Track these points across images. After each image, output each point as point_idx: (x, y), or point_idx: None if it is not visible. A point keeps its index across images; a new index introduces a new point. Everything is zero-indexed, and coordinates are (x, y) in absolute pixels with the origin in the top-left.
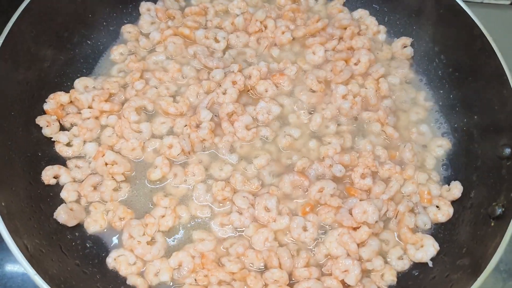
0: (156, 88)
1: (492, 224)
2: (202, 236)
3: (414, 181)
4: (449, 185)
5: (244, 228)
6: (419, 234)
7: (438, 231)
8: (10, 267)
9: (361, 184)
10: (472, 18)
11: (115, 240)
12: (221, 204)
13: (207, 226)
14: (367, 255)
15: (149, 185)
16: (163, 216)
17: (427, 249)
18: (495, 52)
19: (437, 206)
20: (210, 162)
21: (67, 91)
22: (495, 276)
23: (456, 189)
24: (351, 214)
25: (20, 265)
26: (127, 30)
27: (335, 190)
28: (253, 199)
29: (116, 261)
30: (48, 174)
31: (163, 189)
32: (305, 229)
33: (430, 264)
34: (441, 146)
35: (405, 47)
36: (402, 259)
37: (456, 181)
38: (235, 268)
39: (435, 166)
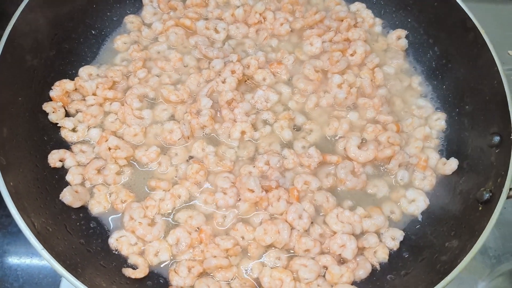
0: (158, 76)
1: (480, 208)
2: (189, 214)
3: (417, 146)
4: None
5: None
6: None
7: (428, 215)
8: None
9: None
10: (465, 11)
11: (117, 221)
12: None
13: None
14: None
15: (144, 169)
16: (162, 200)
17: (419, 204)
18: (486, 44)
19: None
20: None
21: (72, 79)
22: (485, 261)
23: (453, 163)
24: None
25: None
26: (130, 20)
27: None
28: (234, 178)
29: (118, 241)
30: (54, 158)
31: (152, 174)
32: (300, 217)
33: (420, 218)
34: (439, 119)
35: (399, 39)
36: (394, 213)
37: (453, 158)
38: (229, 244)
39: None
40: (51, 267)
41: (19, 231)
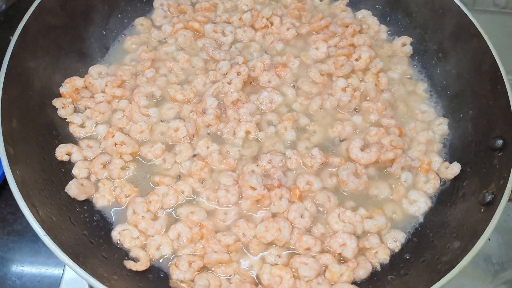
0: (166, 76)
1: (482, 210)
2: (190, 209)
3: (420, 149)
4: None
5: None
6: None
7: (431, 218)
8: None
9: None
10: (469, 18)
11: (120, 215)
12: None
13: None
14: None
15: (148, 165)
16: (166, 195)
17: (420, 205)
18: (490, 50)
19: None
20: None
21: (82, 76)
22: (488, 268)
23: (455, 167)
24: None
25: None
26: (140, 22)
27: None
28: (237, 176)
29: (121, 234)
30: (62, 151)
31: (157, 170)
32: (302, 216)
33: (421, 219)
34: (441, 123)
35: (404, 45)
36: (396, 213)
37: (456, 162)
38: (230, 240)
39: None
40: (52, 268)
41: (23, 229)
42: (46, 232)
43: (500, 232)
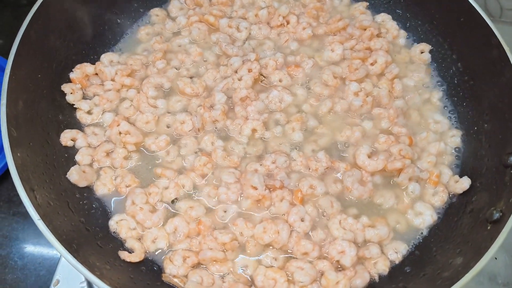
0: (177, 69)
1: (489, 228)
2: (190, 204)
3: (430, 160)
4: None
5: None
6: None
7: (435, 232)
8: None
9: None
10: (490, 28)
11: (119, 204)
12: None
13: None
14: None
15: (151, 157)
16: (166, 188)
17: (426, 218)
18: (510, 62)
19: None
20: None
21: (93, 63)
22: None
23: (465, 182)
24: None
25: None
26: (156, 13)
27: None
28: (240, 174)
29: (118, 224)
30: (67, 137)
31: (159, 162)
32: (302, 219)
33: (425, 232)
34: (454, 135)
35: (423, 52)
36: (400, 223)
37: (466, 177)
38: (226, 238)
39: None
40: (54, 251)
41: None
42: (40, 216)
43: (508, 252)
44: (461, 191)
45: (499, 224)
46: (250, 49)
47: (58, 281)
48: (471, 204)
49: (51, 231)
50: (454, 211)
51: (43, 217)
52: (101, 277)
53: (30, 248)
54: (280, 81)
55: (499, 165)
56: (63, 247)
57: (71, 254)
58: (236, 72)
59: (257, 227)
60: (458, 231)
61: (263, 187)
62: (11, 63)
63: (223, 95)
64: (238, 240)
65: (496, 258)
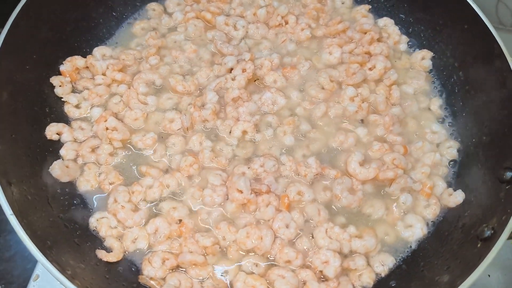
0: (169, 65)
1: (479, 245)
2: (172, 205)
3: (424, 171)
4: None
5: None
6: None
7: (425, 246)
8: None
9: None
10: (494, 37)
11: (101, 202)
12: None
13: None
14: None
15: (138, 154)
16: (150, 187)
17: (415, 231)
18: None
19: None
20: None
21: (84, 56)
22: None
23: (458, 196)
24: None
25: None
26: (152, 7)
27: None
28: (226, 177)
29: (98, 222)
30: (52, 130)
31: (145, 160)
32: (287, 226)
33: (414, 245)
34: (451, 147)
35: (423, 59)
36: (388, 235)
37: (460, 190)
38: (208, 242)
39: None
40: None
41: None
42: (14, 212)
43: (502, 270)
44: (454, 205)
45: (489, 242)
46: (246, 49)
47: (38, 276)
48: (463, 218)
49: (23, 227)
50: (445, 225)
51: (17, 212)
52: (72, 276)
53: (17, 240)
54: (275, 82)
55: (495, 180)
56: (33, 244)
57: (41, 251)
58: (230, 71)
59: (240, 232)
60: (448, 247)
61: (249, 191)
62: None
63: (214, 94)
64: (220, 244)
65: (489, 276)
